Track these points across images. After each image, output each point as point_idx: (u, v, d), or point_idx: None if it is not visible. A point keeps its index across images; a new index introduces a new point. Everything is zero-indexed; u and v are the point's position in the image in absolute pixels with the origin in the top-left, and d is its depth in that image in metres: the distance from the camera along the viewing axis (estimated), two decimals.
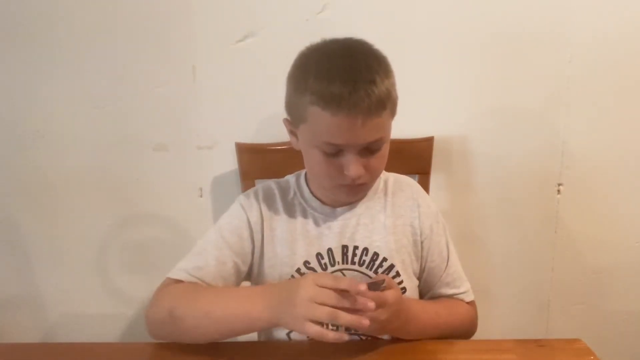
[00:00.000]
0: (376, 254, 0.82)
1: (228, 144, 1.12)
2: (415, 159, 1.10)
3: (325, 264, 0.81)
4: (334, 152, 0.73)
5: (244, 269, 0.83)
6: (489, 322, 1.30)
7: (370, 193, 0.86)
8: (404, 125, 1.11)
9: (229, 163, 1.14)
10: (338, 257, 0.82)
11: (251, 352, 0.76)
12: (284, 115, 0.80)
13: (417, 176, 1.11)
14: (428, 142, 1.10)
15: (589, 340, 0.75)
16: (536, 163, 1.16)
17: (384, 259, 0.82)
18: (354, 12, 1.07)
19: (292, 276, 0.81)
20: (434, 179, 1.13)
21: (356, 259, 0.82)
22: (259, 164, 1.09)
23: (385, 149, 0.77)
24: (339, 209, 0.84)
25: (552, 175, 1.17)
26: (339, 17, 1.07)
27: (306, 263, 0.81)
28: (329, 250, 0.82)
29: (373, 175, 0.78)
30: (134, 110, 1.13)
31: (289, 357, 0.75)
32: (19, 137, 1.15)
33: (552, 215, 1.19)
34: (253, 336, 0.87)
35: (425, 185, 1.11)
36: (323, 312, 0.61)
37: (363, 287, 0.62)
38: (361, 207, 0.85)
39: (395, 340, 0.77)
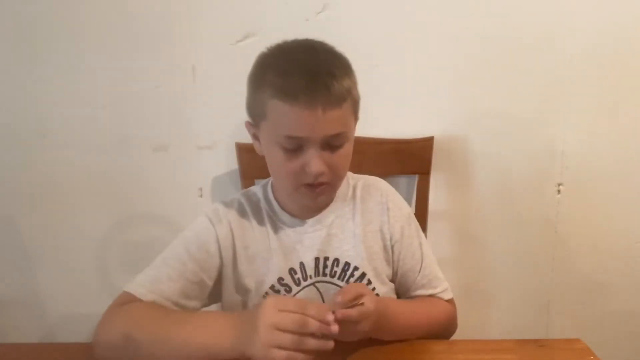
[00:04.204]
0: (347, 264, 0.81)
1: (228, 144, 1.12)
2: (415, 159, 1.10)
3: (298, 278, 0.80)
4: (295, 148, 0.71)
5: (210, 283, 0.79)
6: (489, 322, 1.30)
7: (339, 201, 0.84)
8: (404, 125, 1.12)
9: (229, 163, 1.14)
10: (310, 270, 0.81)
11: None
12: None
13: (417, 176, 1.11)
14: (428, 142, 1.10)
15: (589, 340, 0.75)
16: (536, 163, 1.16)
17: (355, 268, 0.81)
18: (354, 12, 1.07)
19: (266, 293, 0.79)
20: (434, 179, 1.13)
21: (327, 271, 0.81)
22: (259, 164, 1.08)
23: (348, 149, 0.75)
24: (309, 221, 0.82)
25: (552, 175, 1.17)
26: (339, 17, 1.07)
27: (280, 280, 0.80)
28: (301, 264, 0.80)
29: (336, 175, 0.75)
30: (134, 110, 1.13)
31: None
32: (19, 137, 1.15)
33: (552, 215, 1.19)
34: None
35: (425, 185, 1.11)
36: (287, 339, 0.59)
37: (330, 317, 0.60)
38: (330, 217, 0.83)
39: (394, 340, 0.77)
